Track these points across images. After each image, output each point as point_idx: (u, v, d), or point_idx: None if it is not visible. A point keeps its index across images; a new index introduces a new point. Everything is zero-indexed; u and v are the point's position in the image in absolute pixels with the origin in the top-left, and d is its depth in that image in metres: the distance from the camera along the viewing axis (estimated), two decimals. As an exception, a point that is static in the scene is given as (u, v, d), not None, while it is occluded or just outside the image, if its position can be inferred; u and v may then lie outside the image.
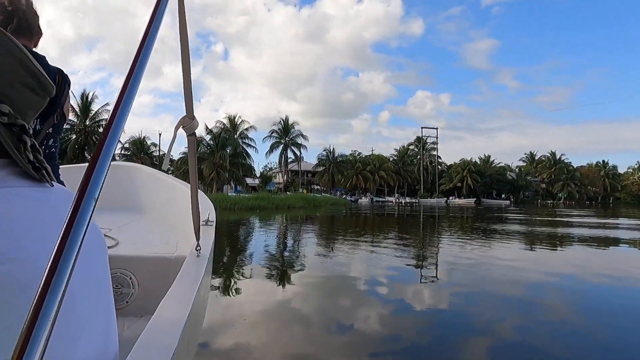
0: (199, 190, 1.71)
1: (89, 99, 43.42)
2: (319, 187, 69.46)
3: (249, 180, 52.52)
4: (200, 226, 1.64)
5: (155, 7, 0.52)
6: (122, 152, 47.73)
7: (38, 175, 0.52)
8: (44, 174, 0.53)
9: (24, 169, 0.51)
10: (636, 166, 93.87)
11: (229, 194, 36.49)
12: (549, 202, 76.08)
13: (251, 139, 50.31)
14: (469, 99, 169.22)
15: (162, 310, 1.00)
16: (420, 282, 6.15)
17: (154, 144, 53.30)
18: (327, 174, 64.81)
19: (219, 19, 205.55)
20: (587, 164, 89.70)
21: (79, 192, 0.33)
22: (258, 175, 62.83)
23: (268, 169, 76.55)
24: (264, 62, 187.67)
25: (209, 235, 1.81)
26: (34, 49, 1.62)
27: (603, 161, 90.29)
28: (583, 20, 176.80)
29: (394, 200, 60.42)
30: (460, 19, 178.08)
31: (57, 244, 0.31)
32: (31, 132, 0.48)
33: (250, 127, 50.74)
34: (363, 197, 63.53)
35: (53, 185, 0.55)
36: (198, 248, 1.56)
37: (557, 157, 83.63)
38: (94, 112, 43.28)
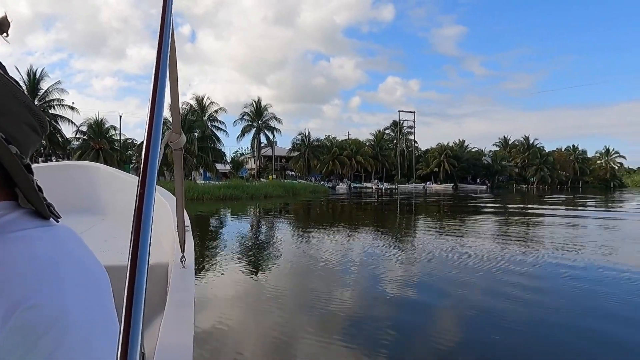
0: (160, 187, 1.61)
1: (38, 77, 38.67)
2: (293, 173, 66.64)
3: (219, 167, 49.20)
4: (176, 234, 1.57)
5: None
6: (77, 135, 43.28)
7: (48, 213, 0.52)
8: (52, 210, 0.53)
9: (38, 209, 0.51)
10: (603, 151, 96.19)
11: (198, 181, 33.26)
12: (523, 186, 76.43)
13: (221, 122, 46.69)
14: (438, 85, 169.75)
15: (165, 337, 0.96)
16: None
17: (114, 127, 49.13)
18: (302, 160, 61.94)
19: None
20: (557, 148, 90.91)
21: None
22: (229, 160, 59.46)
23: (240, 154, 73.08)
24: (233, 45, 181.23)
25: (189, 243, 1.63)
26: None
27: (573, 146, 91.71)
28: (548, 8, 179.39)
29: (373, 187, 58.36)
30: (429, 4, 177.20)
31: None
32: None
33: (220, 109, 47.07)
34: (340, 184, 61.25)
35: (58, 222, 0.55)
36: (183, 259, 1.50)
37: (531, 142, 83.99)
38: (43, 91, 38.66)
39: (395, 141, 77.13)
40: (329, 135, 74.63)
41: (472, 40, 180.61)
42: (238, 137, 55.86)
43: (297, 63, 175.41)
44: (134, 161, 47.32)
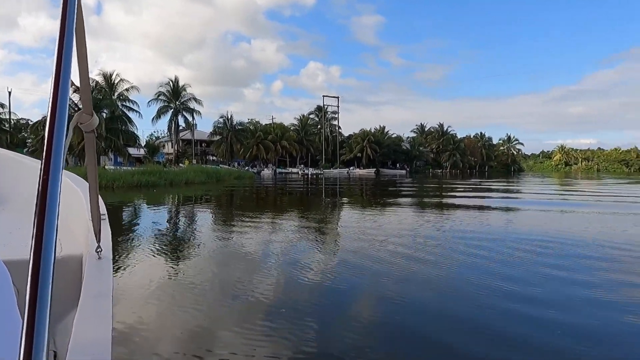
0: (70, 173, 1.56)
1: None
2: (215, 158, 63.42)
3: (132, 151, 44.80)
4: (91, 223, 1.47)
5: None
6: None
7: None
8: None
9: None
10: (505, 138, 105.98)
11: (107, 167, 29.62)
12: (438, 171, 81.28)
13: (133, 102, 42.24)
14: (358, 72, 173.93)
15: (80, 333, 0.91)
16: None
17: (1, 105, 42.28)
18: (224, 144, 58.99)
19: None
20: (467, 135, 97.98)
21: None
22: (143, 144, 54.68)
23: (155, 138, 67.69)
24: (147, 21, 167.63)
25: (106, 233, 1.53)
26: None
27: (480, 133, 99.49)
28: (458, 3, 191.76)
29: (299, 172, 57.57)
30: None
31: None
32: None
33: (132, 87, 42.54)
34: (265, 169, 59.55)
35: None
36: (99, 250, 1.41)
37: (445, 129, 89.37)
38: None
39: (319, 126, 76.98)
40: (252, 119, 72.19)
41: (390, 31, 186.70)
42: (153, 119, 51.45)
43: (217, 44, 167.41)
44: (28, 144, 41.17)
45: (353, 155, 75.45)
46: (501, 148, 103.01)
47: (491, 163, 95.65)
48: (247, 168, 55.94)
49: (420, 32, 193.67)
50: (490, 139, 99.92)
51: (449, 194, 20.84)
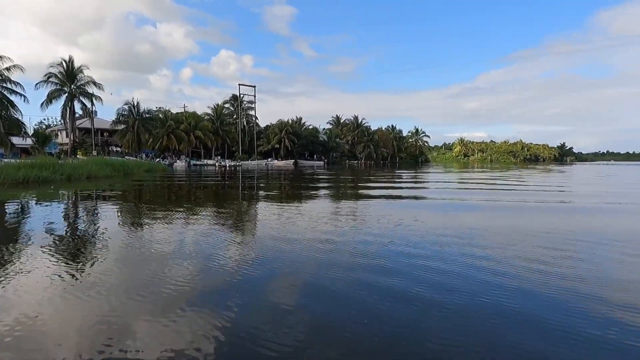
0: None
1: None
2: (119, 149, 57.79)
3: (16, 141, 38.73)
4: None
5: None
6: None
7: None
8: None
9: None
10: (414, 130, 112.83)
11: (-17, 159, 24.93)
12: (354, 162, 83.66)
13: (17, 84, 36.37)
14: (271, 62, 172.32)
15: None
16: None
17: None
18: (130, 133, 53.89)
19: None
20: (379, 127, 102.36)
21: None
22: (31, 133, 47.79)
23: (46, 126, 59.66)
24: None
25: None
26: None
27: (392, 125, 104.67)
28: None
29: (215, 164, 54.77)
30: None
31: None
32: None
33: (15, 66, 36.46)
34: (178, 161, 55.73)
35: None
36: None
37: (359, 121, 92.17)
38: None
39: (235, 116, 74.24)
40: (161, 107, 67.09)
41: (302, 22, 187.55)
42: (43, 104, 44.91)
43: (117, 24, 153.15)
44: None
45: (271, 147, 74.22)
46: (410, 140, 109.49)
47: (401, 154, 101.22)
48: (157, 160, 51.76)
49: (332, 25, 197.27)
50: (400, 131, 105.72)
51: (369, 185, 21.04)
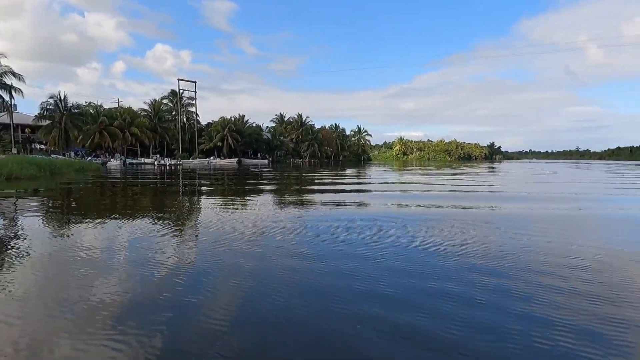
0: None
1: None
2: (44, 146, 52.95)
3: None
4: None
5: None
6: None
7: None
8: None
9: None
10: (356, 129, 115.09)
11: None
12: (299, 161, 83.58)
13: None
14: (211, 59, 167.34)
15: None
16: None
17: None
18: (57, 129, 49.54)
19: None
20: (323, 126, 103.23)
21: None
22: None
23: (-47, 120, 53.01)
24: None
25: None
26: None
27: (335, 124, 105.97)
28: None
29: (154, 163, 51.89)
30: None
31: None
32: None
33: None
34: (112, 159, 52.17)
35: None
36: None
37: (303, 120, 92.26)
38: None
39: (174, 112, 71.05)
40: (91, 102, 62.51)
41: (243, 19, 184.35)
42: (-51, 95, 39.82)
43: (39, 12, 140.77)
44: None
45: (213, 145, 72.02)
46: (353, 139, 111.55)
47: (345, 153, 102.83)
48: (89, 159, 48.06)
49: (273, 23, 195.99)
50: (343, 130, 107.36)
51: (313, 186, 21.02)
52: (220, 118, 75.88)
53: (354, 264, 5.08)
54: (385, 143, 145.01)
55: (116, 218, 9.06)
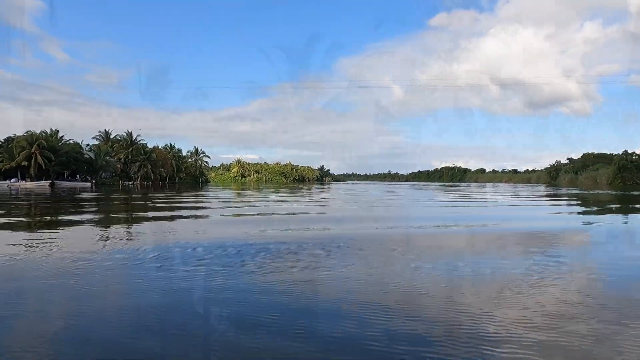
0: None
1: None
2: None
3: None
4: None
5: None
6: None
7: None
8: None
9: None
10: (193, 150, 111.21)
11: None
12: (129, 183, 76.11)
13: None
14: (7, 62, 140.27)
15: None
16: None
17: None
18: None
19: None
20: (156, 145, 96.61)
21: None
22: None
23: None
24: None
25: None
26: None
27: (171, 144, 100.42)
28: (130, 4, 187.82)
29: None
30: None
31: None
32: None
33: None
34: None
35: None
36: None
37: (134, 138, 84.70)
38: None
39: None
40: None
41: (52, 20, 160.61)
42: None
43: None
44: None
45: (16, 164, 59.98)
46: (190, 160, 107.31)
47: (181, 174, 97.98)
48: None
49: (90, 29, 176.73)
50: (180, 150, 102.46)
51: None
52: (27, 132, 63.95)
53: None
54: (222, 165, 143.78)
55: None
